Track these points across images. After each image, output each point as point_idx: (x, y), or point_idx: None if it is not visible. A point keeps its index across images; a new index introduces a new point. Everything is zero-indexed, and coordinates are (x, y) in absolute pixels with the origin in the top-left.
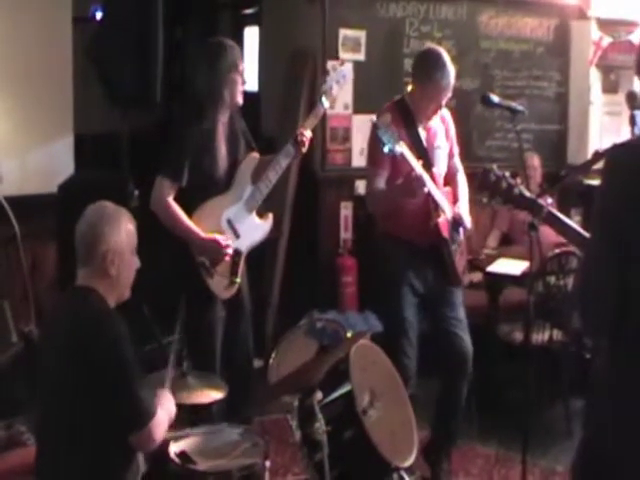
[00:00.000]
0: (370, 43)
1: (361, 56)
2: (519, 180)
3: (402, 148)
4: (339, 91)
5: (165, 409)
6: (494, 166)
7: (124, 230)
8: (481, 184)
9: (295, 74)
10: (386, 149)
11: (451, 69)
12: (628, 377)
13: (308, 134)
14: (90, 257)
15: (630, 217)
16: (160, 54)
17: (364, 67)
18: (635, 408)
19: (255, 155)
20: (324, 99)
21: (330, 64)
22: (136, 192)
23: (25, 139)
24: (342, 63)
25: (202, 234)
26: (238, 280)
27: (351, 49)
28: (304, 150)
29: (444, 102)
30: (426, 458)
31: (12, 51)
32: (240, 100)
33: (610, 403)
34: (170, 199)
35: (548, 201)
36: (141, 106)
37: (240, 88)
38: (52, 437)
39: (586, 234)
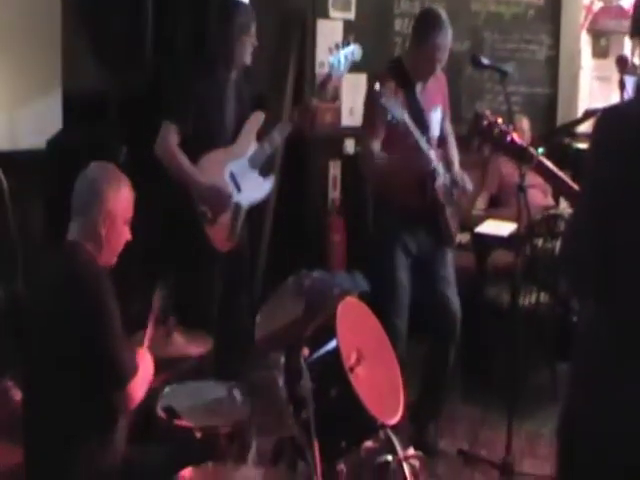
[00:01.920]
0: (360, 2)
1: (351, 15)
2: (511, 127)
3: (404, 116)
4: (344, 70)
5: (143, 369)
6: (487, 111)
7: (123, 195)
8: (473, 129)
9: (285, 32)
10: (389, 117)
11: (448, 27)
12: (611, 339)
13: (315, 104)
14: (84, 213)
15: (619, 184)
16: (149, 11)
17: (354, 26)
18: (619, 370)
19: (261, 114)
20: (333, 70)
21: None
22: (124, 149)
23: (13, 95)
24: (350, 43)
25: (205, 181)
26: (237, 232)
27: (341, 7)
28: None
29: (440, 64)
30: (413, 419)
31: (0, 8)
32: (248, 60)
33: (594, 366)
34: (175, 144)
35: (539, 150)
36: (130, 62)
37: (250, 49)
38: (39, 392)
39: (574, 185)
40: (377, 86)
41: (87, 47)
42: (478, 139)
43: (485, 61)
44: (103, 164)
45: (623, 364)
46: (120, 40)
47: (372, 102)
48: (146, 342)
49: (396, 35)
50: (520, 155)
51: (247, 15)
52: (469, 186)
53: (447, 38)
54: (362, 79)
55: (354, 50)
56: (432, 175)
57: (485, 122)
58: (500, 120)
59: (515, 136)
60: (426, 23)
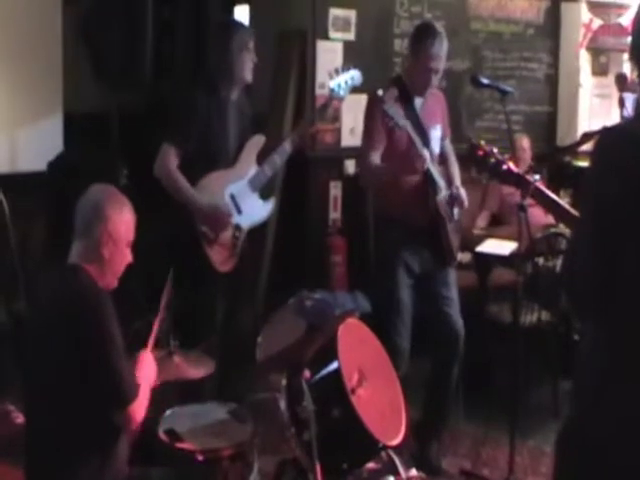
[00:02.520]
0: (360, 23)
1: (351, 36)
2: (507, 156)
3: (406, 123)
4: (344, 95)
5: (145, 385)
6: (482, 141)
7: (125, 218)
8: (469, 159)
9: (285, 53)
10: (391, 123)
11: (443, 38)
12: (612, 359)
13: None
14: (87, 233)
15: (618, 204)
16: (149, 32)
17: (354, 47)
18: (619, 391)
19: (261, 137)
20: (334, 94)
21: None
22: (124, 171)
23: (15, 117)
24: (351, 67)
25: (204, 201)
26: (237, 253)
27: (341, 29)
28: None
29: (437, 75)
30: (416, 438)
31: (2, 29)
32: (249, 77)
33: (594, 385)
34: (174, 166)
35: (536, 177)
36: (130, 83)
37: (250, 65)
38: (40, 414)
39: (572, 210)
40: (380, 92)
41: (88, 68)
42: (475, 168)
43: (484, 80)
44: (105, 186)
45: (623, 382)
46: (120, 61)
47: (374, 108)
48: (150, 344)
49: (396, 55)
50: (517, 183)
51: (245, 32)
52: (465, 202)
53: (442, 48)
54: (362, 100)
55: (354, 75)
56: (433, 185)
57: (480, 152)
58: (495, 149)
59: (511, 165)
60: (420, 34)
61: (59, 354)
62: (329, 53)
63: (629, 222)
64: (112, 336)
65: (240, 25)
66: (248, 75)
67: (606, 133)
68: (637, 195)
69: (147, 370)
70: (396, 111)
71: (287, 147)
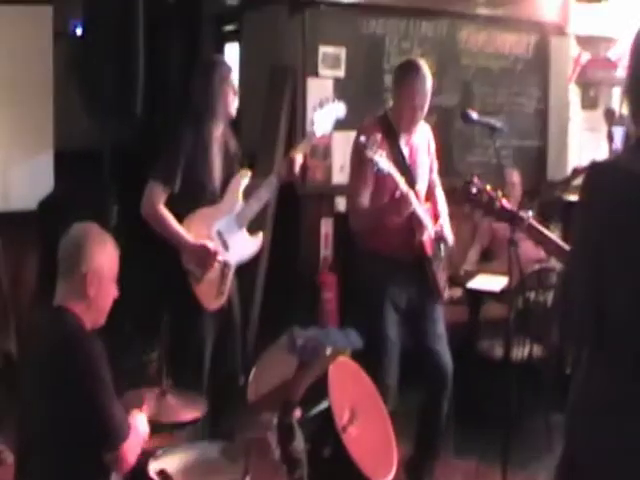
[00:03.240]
0: (350, 59)
1: (341, 72)
2: (500, 193)
3: (390, 167)
4: (329, 127)
5: (137, 432)
6: (475, 178)
7: (108, 255)
8: (462, 196)
9: (275, 90)
10: (375, 168)
11: (426, 74)
12: (606, 392)
13: (299, 158)
14: (71, 274)
15: (607, 238)
16: (141, 68)
17: (344, 84)
18: (614, 423)
19: (247, 172)
20: (316, 128)
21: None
22: (116, 208)
23: (5, 155)
24: (334, 100)
25: (191, 239)
26: (226, 290)
27: (331, 65)
28: (296, 174)
29: (422, 111)
30: (408, 474)
31: None
32: (233, 111)
33: (589, 418)
34: (161, 204)
35: (529, 213)
36: (122, 120)
37: (232, 98)
38: (31, 454)
39: (565, 245)
40: (362, 138)
41: (79, 105)
42: (469, 205)
43: (474, 116)
44: (85, 224)
45: (620, 409)
46: (112, 97)
47: (358, 154)
48: (144, 407)
49: (386, 91)
50: (511, 219)
51: (225, 67)
52: (450, 241)
53: (425, 84)
54: (352, 136)
55: (337, 107)
56: (419, 225)
57: (474, 189)
58: (489, 186)
59: (504, 202)
60: (404, 71)
61: (49, 395)
62: (319, 89)
63: (618, 254)
64: (101, 378)
65: (219, 60)
66: (231, 109)
67: (595, 167)
68: (625, 228)
69: (139, 428)
70: (380, 157)
71: (273, 181)
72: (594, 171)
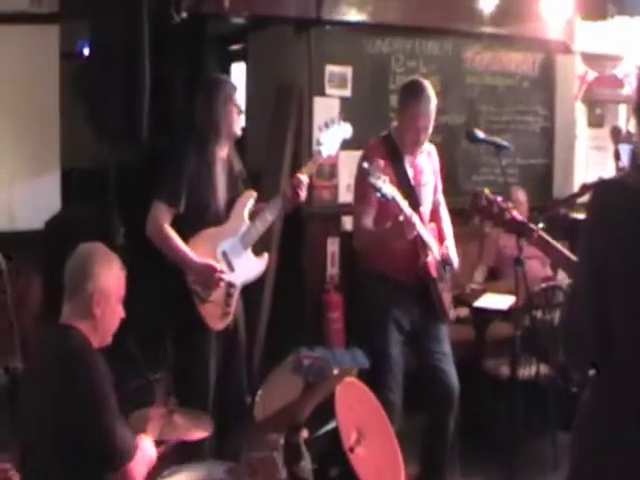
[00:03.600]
0: (356, 79)
1: (347, 92)
2: (510, 204)
3: (393, 192)
4: (335, 148)
5: (144, 453)
6: (486, 190)
7: (114, 275)
8: (473, 207)
9: (282, 110)
10: (378, 194)
11: (430, 95)
12: (613, 411)
13: (305, 179)
14: (77, 293)
15: (614, 256)
16: (147, 89)
17: (350, 103)
18: (621, 442)
19: (252, 193)
20: (323, 149)
21: (329, 118)
22: (122, 229)
23: (11, 175)
24: (340, 121)
25: (197, 259)
26: (231, 311)
27: (337, 85)
28: (302, 195)
29: (425, 132)
30: None
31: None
32: (238, 131)
33: (597, 438)
34: (166, 224)
35: (540, 225)
36: (127, 141)
37: (236, 118)
38: (36, 473)
39: (574, 258)
40: (365, 164)
41: (85, 125)
42: (479, 217)
43: (480, 135)
44: (92, 244)
45: (626, 430)
46: (118, 118)
47: (362, 179)
48: (150, 430)
49: (392, 111)
50: (520, 230)
51: (228, 86)
52: (455, 264)
53: (429, 106)
54: (358, 156)
55: (344, 128)
56: (423, 247)
57: (484, 201)
58: (499, 198)
59: (515, 213)
60: (408, 92)
61: (53, 414)
62: (326, 109)
63: (625, 273)
64: (105, 396)
65: (223, 79)
66: (236, 128)
67: (602, 185)
68: (632, 246)
69: (145, 450)
70: (383, 183)
71: (278, 201)
72: (601, 189)
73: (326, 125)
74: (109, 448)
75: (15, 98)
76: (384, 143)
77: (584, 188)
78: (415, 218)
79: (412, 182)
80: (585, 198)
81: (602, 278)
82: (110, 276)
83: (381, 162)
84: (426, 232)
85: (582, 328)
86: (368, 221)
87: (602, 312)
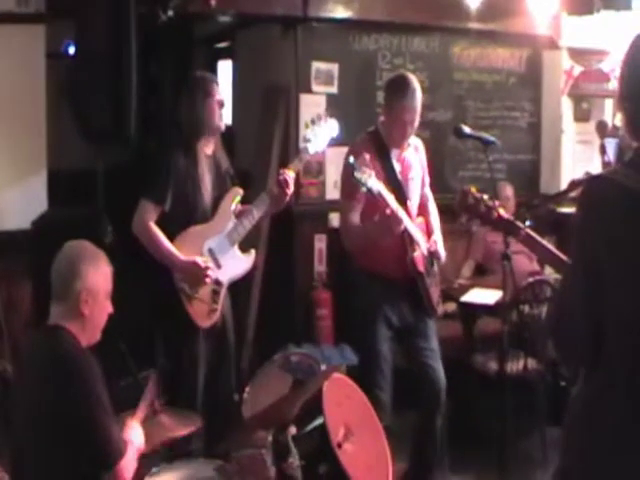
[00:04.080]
0: (343, 76)
1: (334, 89)
2: (497, 202)
3: (379, 187)
4: (323, 145)
5: (133, 444)
6: (473, 188)
7: (101, 272)
8: (460, 206)
9: (269, 107)
10: (364, 189)
11: (416, 89)
12: (603, 407)
13: (291, 175)
14: (65, 293)
15: (605, 254)
16: (134, 89)
17: (337, 100)
18: (611, 437)
19: (239, 190)
20: (309, 146)
21: (316, 114)
22: (110, 228)
23: None
24: (327, 118)
25: (182, 257)
26: (218, 308)
27: (324, 82)
28: (289, 191)
29: (412, 126)
30: None
31: None
32: (222, 125)
33: (587, 433)
34: (152, 222)
35: (527, 223)
36: (115, 141)
37: (218, 111)
38: (27, 475)
39: (562, 256)
40: (351, 159)
41: (72, 126)
42: (466, 216)
43: (467, 131)
44: (78, 242)
45: (616, 426)
46: (105, 118)
47: (345, 172)
48: (138, 414)
49: (379, 107)
50: (507, 229)
51: (208, 81)
52: (442, 257)
53: (415, 100)
54: (345, 152)
55: (331, 125)
56: (411, 243)
57: (471, 199)
58: (486, 196)
59: (502, 211)
60: (394, 86)
61: (47, 416)
62: (312, 106)
63: (617, 270)
64: (97, 396)
65: (202, 76)
66: (218, 122)
67: (592, 182)
68: (624, 244)
69: (134, 438)
70: (369, 178)
71: (265, 198)
72: (591, 186)
73: (313, 122)
74: (105, 446)
75: (1, 99)
76: (371, 138)
77: (573, 184)
78: (402, 212)
79: (399, 176)
80: (574, 194)
81: (594, 276)
82: (97, 274)
83: (367, 157)
84: (413, 226)
85: (574, 325)
86: (355, 217)
87: (595, 309)
